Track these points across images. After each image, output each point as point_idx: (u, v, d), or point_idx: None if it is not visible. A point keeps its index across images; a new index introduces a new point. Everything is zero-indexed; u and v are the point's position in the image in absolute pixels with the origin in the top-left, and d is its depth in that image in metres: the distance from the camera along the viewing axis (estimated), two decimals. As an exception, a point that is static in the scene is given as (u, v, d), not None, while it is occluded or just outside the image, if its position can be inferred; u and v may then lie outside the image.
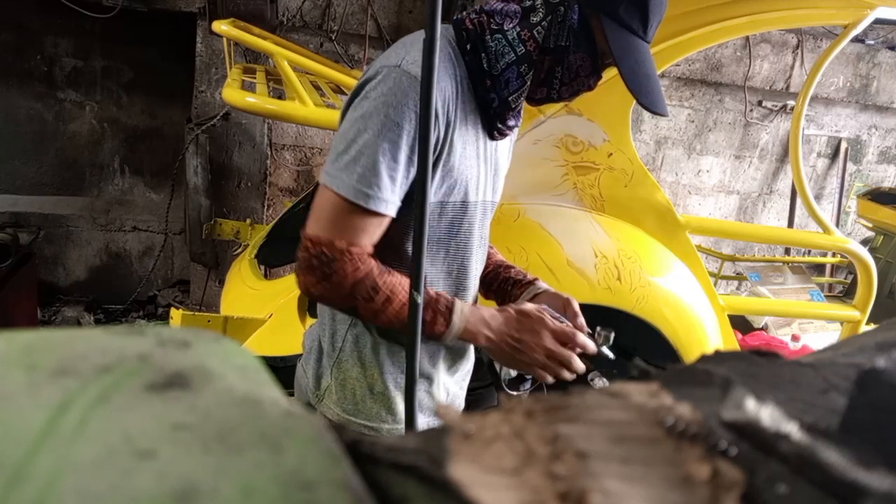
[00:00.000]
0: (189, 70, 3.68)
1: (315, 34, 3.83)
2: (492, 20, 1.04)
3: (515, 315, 1.08)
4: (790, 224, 5.08)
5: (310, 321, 1.95)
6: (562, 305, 1.17)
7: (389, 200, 0.98)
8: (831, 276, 4.74)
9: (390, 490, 0.22)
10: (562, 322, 1.10)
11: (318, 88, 2.33)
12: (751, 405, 0.25)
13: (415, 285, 0.76)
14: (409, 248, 1.03)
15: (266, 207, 3.92)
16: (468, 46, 1.04)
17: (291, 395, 1.25)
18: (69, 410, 0.22)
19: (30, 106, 3.95)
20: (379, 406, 1.15)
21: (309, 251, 0.99)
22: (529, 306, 1.09)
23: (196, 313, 2.06)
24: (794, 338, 3.13)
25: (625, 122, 1.99)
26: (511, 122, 1.11)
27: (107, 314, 4.05)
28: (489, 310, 1.09)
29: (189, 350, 0.27)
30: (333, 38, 3.82)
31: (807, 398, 0.31)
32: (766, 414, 0.24)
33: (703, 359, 0.33)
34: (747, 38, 4.43)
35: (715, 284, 2.33)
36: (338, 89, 2.39)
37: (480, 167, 1.11)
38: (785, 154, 5.05)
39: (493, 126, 1.09)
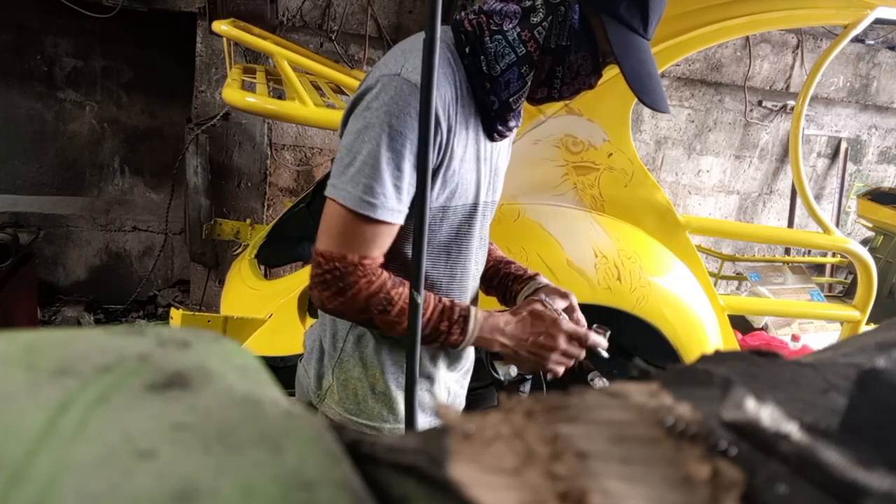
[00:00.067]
0: (189, 70, 3.68)
1: (315, 34, 3.83)
2: (491, 21, 1.03)
3: (530, 318, 1.08)
4: (790, 224, 5.08)
5: (310, 321, 1.95)
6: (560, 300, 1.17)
7: (396, 209, 0.98)
8: (831, 276, 4.74)
9: (390, 490, 0.22)
10: (560, 314, 1.11)
11: (318, 88, 2.33)
12: (751, 405, 0.25)
13: (415, 285, 0.77)
14: (410, 252, 1.04)
15: (266, 207, 3.92)
16: (467, 49, 1.04)
17: (291, 395, 1.26)
18: (69, 410, 0.22)
19: (30, 106, 3.95)
20: (381, 406, 1.15)
21: (322, 266, 0.99)
22: (540, 307, 1.09)
23: (196, 313, 2.06)
24: (794, 338, 3.13)
25: (625, 122, 1.99)
26: (511, 123, 1.11)
27: (107, 314, 4.05)
28: (503, 315, 1.09)
29: (189, 350, 0.27)
30: (333, 38, 3.82)
31: (807, 398, 0.31)
32: (766, 414, 0.24)
33: (703, 359, 0.33)
34: (747, 38, 4.43)
35: (715, 284, 2.33)
36: (338, 89, 2.39)
37: (481, 169, 1.10)
38: (785, 154, 5.05)
39: (494, 128, 1.09)
